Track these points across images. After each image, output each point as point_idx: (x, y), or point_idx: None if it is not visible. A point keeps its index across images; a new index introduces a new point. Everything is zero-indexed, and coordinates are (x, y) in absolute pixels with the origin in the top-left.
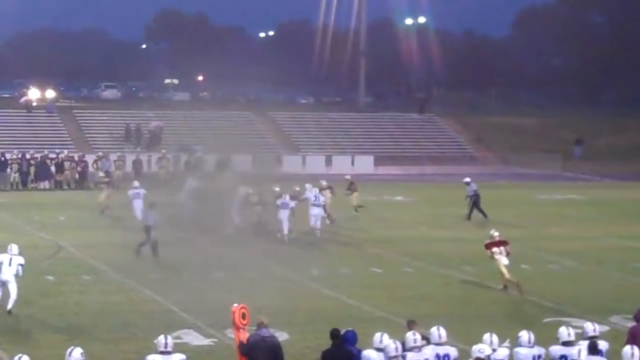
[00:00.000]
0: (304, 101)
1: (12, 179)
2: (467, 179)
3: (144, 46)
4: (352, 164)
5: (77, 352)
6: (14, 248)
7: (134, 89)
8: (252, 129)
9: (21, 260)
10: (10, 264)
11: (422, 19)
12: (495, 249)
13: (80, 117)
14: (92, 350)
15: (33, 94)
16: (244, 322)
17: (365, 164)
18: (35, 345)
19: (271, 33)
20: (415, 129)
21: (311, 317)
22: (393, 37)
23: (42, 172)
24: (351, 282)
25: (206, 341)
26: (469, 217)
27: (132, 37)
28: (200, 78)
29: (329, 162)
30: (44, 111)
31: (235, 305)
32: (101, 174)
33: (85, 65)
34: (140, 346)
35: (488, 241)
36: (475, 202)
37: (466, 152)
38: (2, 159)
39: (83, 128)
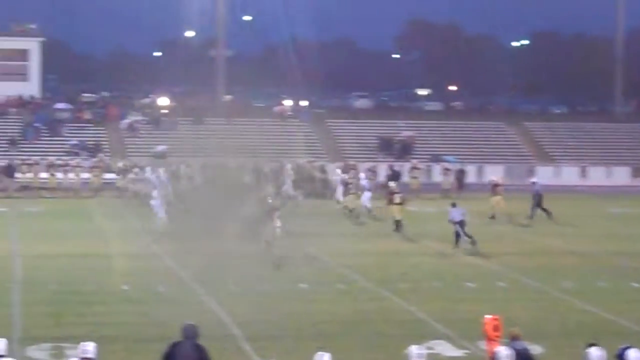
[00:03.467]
0: (557, 111)
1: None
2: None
3: (395, 56)
4: (608, 175)
5: (327, 358)
6: None
7: (385, 98)
8: (505, 139)
9: None
10: None
11: None
12: None
13: (333, 126)
14: (342, 358)
15: (286, 103)
16: (496, 334)
17: (622, 176)
18: (286, 350)
19: (526, 42)
20: None
21: (566, 331)
22: None
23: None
24: (607, 296)
25: (459, 352)
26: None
27: (381, 46)
28: (453, 88)
29: (584, 173)
30: (298, 120)
31: (488, 316)
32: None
33: (337, 75)
34: (391, 356)
35: None
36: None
37: None
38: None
39: (335, 137)
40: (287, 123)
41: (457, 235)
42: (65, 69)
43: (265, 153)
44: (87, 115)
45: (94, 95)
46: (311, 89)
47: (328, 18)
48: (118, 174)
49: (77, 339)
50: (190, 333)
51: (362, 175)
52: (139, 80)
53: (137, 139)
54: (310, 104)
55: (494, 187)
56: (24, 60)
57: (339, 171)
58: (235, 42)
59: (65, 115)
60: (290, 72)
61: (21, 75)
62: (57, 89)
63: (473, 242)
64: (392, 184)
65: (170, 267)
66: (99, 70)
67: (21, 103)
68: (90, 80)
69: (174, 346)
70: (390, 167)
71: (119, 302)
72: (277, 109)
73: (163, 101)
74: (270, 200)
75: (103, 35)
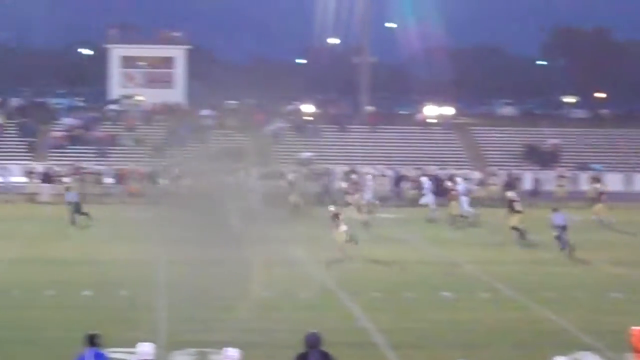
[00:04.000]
0: None
1: (407, 195)
2: None
3: (541, 62)
4: None
5: None
6: None
7: (530, 106)
8: None
9: None
10: None
11: None
12: None
13: (477, 134)
14: None
15: (429, 110)
16: None
17: None
18: (430, 357)
19: None
20: None
21: None
22: None
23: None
24: None
25: None
26: None
27: (527, 53)
28: (601, 95)
29: None
30: (441, 128)
31: (636, 328)
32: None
33: (482, 82)
34: None
35: None
36: None
37: None
38: (397, 175)
39: (479, 145)
40: (430, 130)
41: (559, 239)
42: (210, 76)
43: (408, 161)
44: (231, 122)
45: (237, 102)
46: (455, 96)
47: (472, 24)
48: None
49: (221, 345)
50: (315, 342)
51: (458, 179)
52: (282, 87)
53: (280, 146)
54: (454, 111)
55: (600, 195)
56: (170, 68)
57: (459, 179)
58: (379, 49)
59: (210, 122)
60: (433, 79)
61: (167, 82)
62: (201, 96)
63: (571, 249)
64: (510, 192)
65: (312, 273)
66: (242, 77)
67: (167, 110)
68: (234, 87)
69: (302, 357)
70: (508, 175)
71: (261, 308)
72: (420, 116)
73: (307, 108)
74: (331, 207)
75: (247, 43)
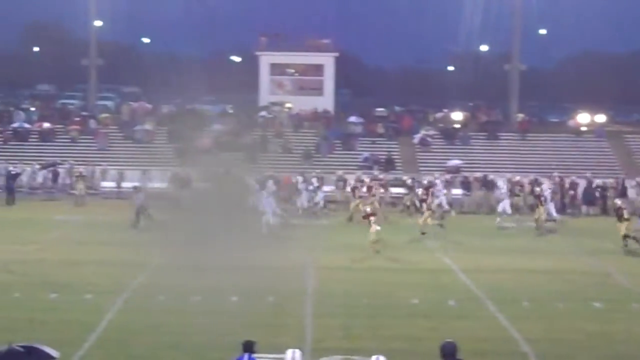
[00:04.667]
0: None
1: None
2: None
3: None
4: None
5: None
6: None
7: None
8: None
9: None
10: None
11: None
12: None
13: (632, 142)
14: None
15: (582, 118)
16: None
17: None
18: None
19: None
20: None
21: None
22: None
23: (587, 196)
24: None
25: None
26: None
27: None
28: None
29: None
30: (593, 135)
31: None
32: None
33: (635, 89)
34: None
35: None
36: None
37: None
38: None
39: (634, 153)
40: (582, 138)
41: None
42: (358, 83)
43: (559, 168)
44: (379, 129)
45: (386, 109)
46: (608, 103)
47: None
48: (406, 189)
49: (368, 352)
50: (450, 351)
51: (544, 186)
52: (431, 94)
53: (429, 153)
54: (607, 118)
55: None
56: (319, 75)
57: (545, 186)
58: (529, 56)
59: (358, 129)
60: (585, 85)
61: (316, 89)
62: (349, 103)
63: None
64: (618, 200)
65: (463, 281)
66: (390, 84)
67: (316, 117)
68: (382, 94)
69: None
70: (617, 183)
71: (408, 316)
72: (572, 123)
73: (457, 115)
74: (365, 208)
75: (395, 49)
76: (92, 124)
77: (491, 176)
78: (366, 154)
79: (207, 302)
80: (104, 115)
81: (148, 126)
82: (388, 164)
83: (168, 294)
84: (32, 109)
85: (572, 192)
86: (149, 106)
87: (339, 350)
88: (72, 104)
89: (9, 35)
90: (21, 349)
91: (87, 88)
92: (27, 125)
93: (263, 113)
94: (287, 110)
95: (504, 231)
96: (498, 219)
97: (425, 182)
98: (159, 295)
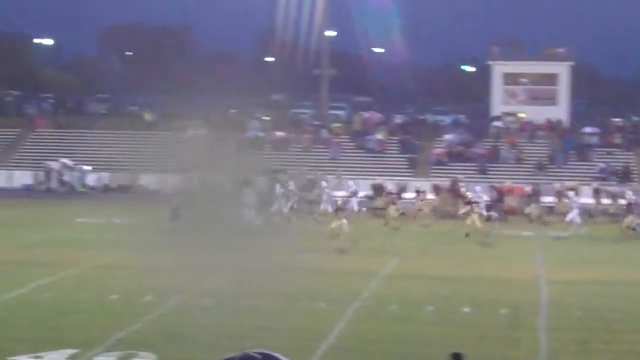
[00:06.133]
0: None
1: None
2: None
3: None
4: None
5: None
6: None
7: None
8: None
9: None
10: None
11: None
12: None
13: None
14: None
15: None
16: None
17: None
18: None
19: None
20: None
21: None
22: None
23: None
24: None
25: None
26: None
27: None
28: None
29: None
30: None
31: None
32: None
33: None
34: None
35: None
36: None
37: None
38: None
39: None
40: None
41: None
42: (595, 93)
43: None
44: (616, 139)
45: (623, 119)
46: None
47: None
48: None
49: None
50: None
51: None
52: None
53: None
54: None
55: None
56: (553, 85)
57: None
58: None
59: (594, 139)
60: None
61: (550, 99)
62: (585, 114)
63: None
64: None
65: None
66: (627, 94)
67: (550, 127)
68: (619, 105)
69: None
70: None
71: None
72: None
73: None
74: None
75: (632, 59)
76: (324, 133)
77: None
78: (602, 165)
79: (440, 313)
80: (335, 124)
81: (380, 136)
82: (625, 175)
83: (400, 303)
84: (266, 118)
85: None
86: (381, 116)
87: None
88: (304, 114)
89: (243, 45)
90: (258, 356)
91: (319, 97)
92: (260, 134)
93: (496, 123)
94: (520, 120)
95: None
96: None
97: (478, 188)
98: (391, 304)
